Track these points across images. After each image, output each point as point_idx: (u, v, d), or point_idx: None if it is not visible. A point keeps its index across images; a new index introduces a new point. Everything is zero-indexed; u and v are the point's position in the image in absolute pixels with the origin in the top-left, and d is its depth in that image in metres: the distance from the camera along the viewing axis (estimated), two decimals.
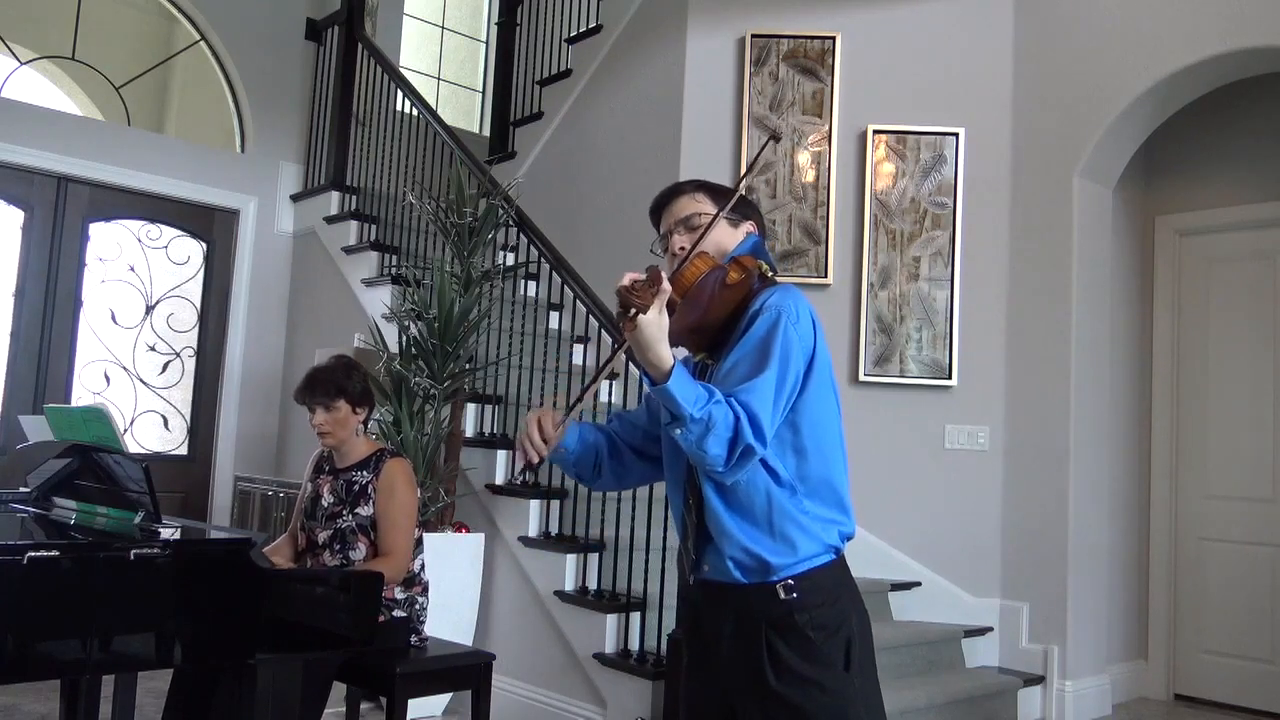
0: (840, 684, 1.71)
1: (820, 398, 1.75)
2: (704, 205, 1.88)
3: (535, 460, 1.74)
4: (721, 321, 1.76)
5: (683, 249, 1.83)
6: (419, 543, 3.28)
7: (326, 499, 3.17)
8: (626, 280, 1.56)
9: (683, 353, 1.76)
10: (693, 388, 1.58)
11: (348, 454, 3.21)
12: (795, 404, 1.72)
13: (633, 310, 1.53)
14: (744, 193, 1.94)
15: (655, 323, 1.55)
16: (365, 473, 3.16)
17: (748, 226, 1.91)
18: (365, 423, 3.27)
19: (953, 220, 4.83)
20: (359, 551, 3.09)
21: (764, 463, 1.70)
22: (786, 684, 1.69)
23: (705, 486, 1.75)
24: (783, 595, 1.72)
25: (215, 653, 2.39)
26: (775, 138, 2.05)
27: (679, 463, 1.83)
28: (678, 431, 1.60)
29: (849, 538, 1.81)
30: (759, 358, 1.67)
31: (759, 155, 1.99)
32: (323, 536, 3.14)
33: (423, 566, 3.28)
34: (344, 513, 3.12)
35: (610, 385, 4.73)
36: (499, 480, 4.35)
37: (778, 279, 1.87)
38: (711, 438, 1.58)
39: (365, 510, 3.11)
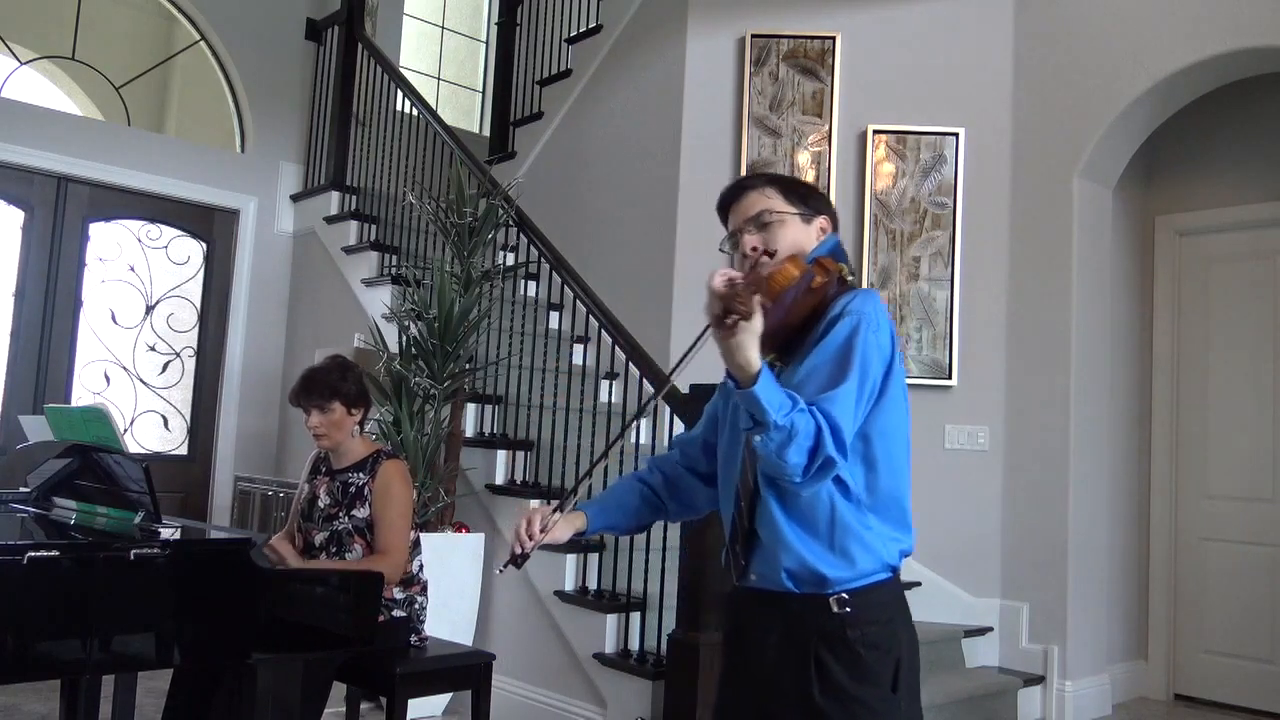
0: (886, 705, 1.66)
1: (894, 409, 1.69)
2: (774, 201, 1.79)
3: (518, 553, 1.75)
4: (799, 324, 1.68)
5: (755, 249, 1.76)
6: (416, 543, 3.27)
7: (323, 500, 3.16)
8: (722, 283, 1.45)
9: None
10: (778, 393, 1.51)
11: (344, 455, 3.19)
12: (869, 414, 1.66)
13: (734, 317, 1.43)
14: (809, 185, 1.86)
15: (753, 328, 1.47)
16: (361, 474, 3.13)
17: (821, 222, 1.82)
18: (362, 423, 3.23)
19: (953, 220, 4.83)
20: (355, 553, 3.08)
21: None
22: (831, 700, 1.64)
23: (766, 494, 1.69)
24: (835, 609, 1.66)
25: (215, 652, 2.39)
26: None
27: (733, 465, 1.78)
28: (758, 438, 1.52)
29: (907, 555, 1.75)
30: (839, 365, 1.61)
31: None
32: (319, 538, 3.13)
33: (421, 566, 3.28)
34: (340, 514, 3.11)
35: (610, 386, 4.73)
36: (499, 480, 4.35)
37: (856, 282, 1.80)
38: (793, 446, 1.50)
39: (361, 512, 3.09)
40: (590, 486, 4.07)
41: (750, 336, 1.46)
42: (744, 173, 4.96)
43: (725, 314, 1.43)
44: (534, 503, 1.82)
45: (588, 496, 4.02)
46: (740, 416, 1.56)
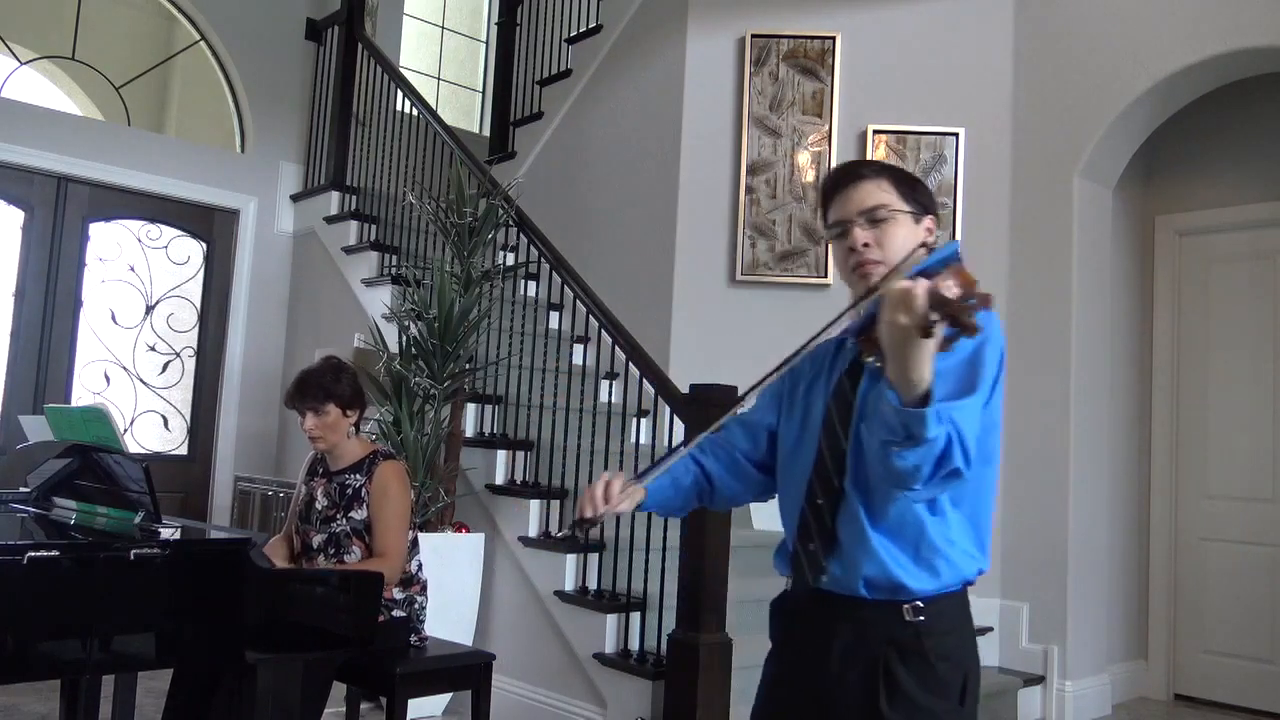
0: (954, 718, 1.62)
1: (992, 428, 1.61)
2: (889, 197, 1.68)
3: (589, 515, 1.63)
4: None
5: (866, 245, 1.66)
6: (414, 543, 3.27)
7: (320, 502, 3.15)
8: (957, 291, 1.32)
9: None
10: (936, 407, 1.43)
11: (341, 456, 3.17)
12: None
13: (955, 331, 1.33)
14: (919, 182, 1.75)
15: (935, 344, 1.36)
16: (358, 475, 3.12)
17: (928, 222, 1.72)
18: (358, 424, 3.20)
19: (953, 220, 4.83)
20: (354, 555, 3.07)
21: None
22: (899, 712, 1.59)
23: (853, 496, 1.63)
24: (909, 617, 1.61)
25: (215, 652, 2.39)
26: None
27: (800, 459, 1.72)
28: (895, 449, 1.43)
29: (983, 571, 1.71)
30: (969, 376, 1.53)
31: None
32: (317, 540, 3.12)
33: (420, 566, 3.27)
34: (338, 516, 3.10)
35: (610, 386, 4.73)
36: (499, 480, 4.35)
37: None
38: (928, 459, 1.44)
39: (359, 514, 3.09)
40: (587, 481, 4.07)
41: (932, 352, 1.38)
42: (744, 173, 4.96)
43: (961, 327, 1.32)
44: (605, 474, 1.72)
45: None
46: (883, 428, 1.45)
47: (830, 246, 1.76)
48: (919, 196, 1.71)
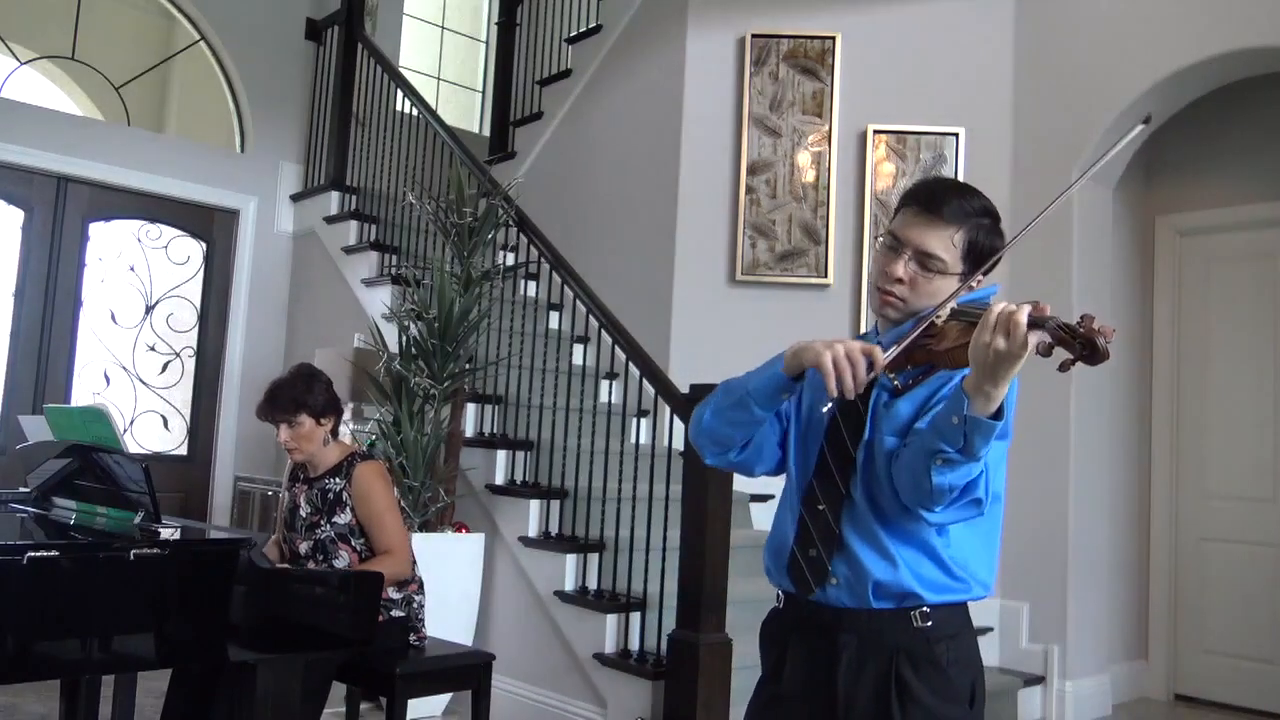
0: None
1: (1002, 459, 1.64)
2: (952, 255, 1.65)
3: (850, 393, 1.51)
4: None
5: (900, 280, 1.66)
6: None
7: (304, 509, 3.13)
8: (1102, 327, 1.34)
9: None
10: None
11: (319, 463, 3.14)
12: None
13: (1069, 359, 1.36)
14: (993, 238, 1.70)
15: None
16: (338, 479, 3.10)
17: (972, 282, 1.66)
18: (334, 431, 3.17)
19: None
20: (342, 560, 3.06)
21: None
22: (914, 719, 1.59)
23: (863, 503, 1.64)
24: (917, 623, 1.62)
25: (215, 652, 2.39)
26: None
27: (799, 468, 1.73)
28: (944, 461, 1.45)
29: (985, 595, 1.70)
30: (1003, 421, 1.51)
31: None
32: (304, 547, 3.11)
33: (415, 564, 3.26)
34: (322, 523, 3.08)
35: (610, 386, 4.73)
36: (499, 480, 4.34)
37: None
38: (964, 480, 1.47)
39: (342, 518, 3.07)
40: (589, 485, 4.07)
41: (1017, 371, 1.41)
42: (744, 173, 4.95)
43: (1102, 357, 1.33)
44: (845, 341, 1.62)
45: (598, 499, 4.02)
46: (947, 435, 1.45)
47: (875, 245, 1.73)
48: (979, 263, 1.66)
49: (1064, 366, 1.37)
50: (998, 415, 1.43)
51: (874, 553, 1.62)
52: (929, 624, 1.62)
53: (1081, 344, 1.34)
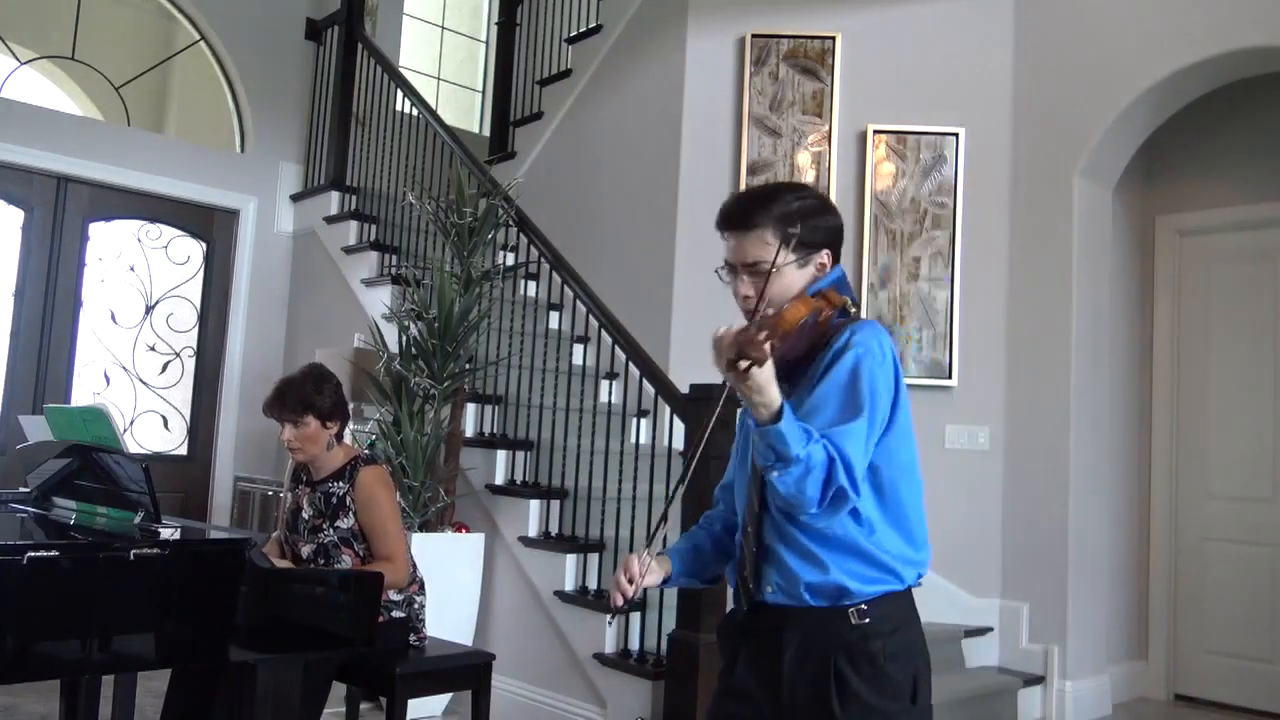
0: (907, 717, 1.67)
1: (902, 437, 1.72)
2: (770, 251, 1.71)
3: (620, 603, 1.74)
4: (800, 354, 1.70)
5: (748, 297, 1.74)
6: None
7: (306, 512, 3.12)
8: (730, 333, 1.49)
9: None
10: (797, 426, 1.53)
11: (323, 466, 3.12)
12: (878, 443, 1.68)
13: (747, 363, 1.46)
14: (815, 218, 1.76)
15: (768, 370, 1.49)
16: (341, 483, 3.07)
17: (820, 258, 1.77)
18: (339, 435, 3.13)
19: (953, 220, 4.83)
20: (343, 564, 3.04)
21: None
22: (852, 714, 1.64)
23: (778, 514, 1.70)
24: (855, 620, 1.67)
25: (215, 652, 2.39)
26: None
27: (742, 489, 1.81)
28: (776, 474, 1.54)
29: (922, 575, 1.78)
30: (849, 399, 1.62)
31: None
32: (306, 550, 3.10)
33: (415, 565, 3.26)
34: (325, 526, 3.07)
35: (610, 386, 4.73)
36: (499, 480, 4.35)
37: (859, 314, 1.80)
38: (810, 479, 1.53)
39: (345, 522, 3.06)
40: (589, 485, 4.07)
41: (768, 378, 1.49)
42: (744, 173, 4.95)
43: (739, 359, 1.46)
44: (629, 557, 1.79)
45: (598, 499, 4.02)
46: (760, 453, 1.56)
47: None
48: (808, 239, 1.73)
49: (742, 374, 1.48)
50: (778, 419, 1.51)
51: (798, 557, 1.70)
52: (867, 620, 1.67)
53: (748, 354, 1.46)
